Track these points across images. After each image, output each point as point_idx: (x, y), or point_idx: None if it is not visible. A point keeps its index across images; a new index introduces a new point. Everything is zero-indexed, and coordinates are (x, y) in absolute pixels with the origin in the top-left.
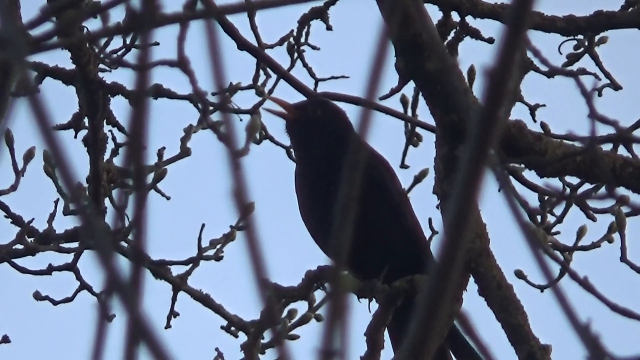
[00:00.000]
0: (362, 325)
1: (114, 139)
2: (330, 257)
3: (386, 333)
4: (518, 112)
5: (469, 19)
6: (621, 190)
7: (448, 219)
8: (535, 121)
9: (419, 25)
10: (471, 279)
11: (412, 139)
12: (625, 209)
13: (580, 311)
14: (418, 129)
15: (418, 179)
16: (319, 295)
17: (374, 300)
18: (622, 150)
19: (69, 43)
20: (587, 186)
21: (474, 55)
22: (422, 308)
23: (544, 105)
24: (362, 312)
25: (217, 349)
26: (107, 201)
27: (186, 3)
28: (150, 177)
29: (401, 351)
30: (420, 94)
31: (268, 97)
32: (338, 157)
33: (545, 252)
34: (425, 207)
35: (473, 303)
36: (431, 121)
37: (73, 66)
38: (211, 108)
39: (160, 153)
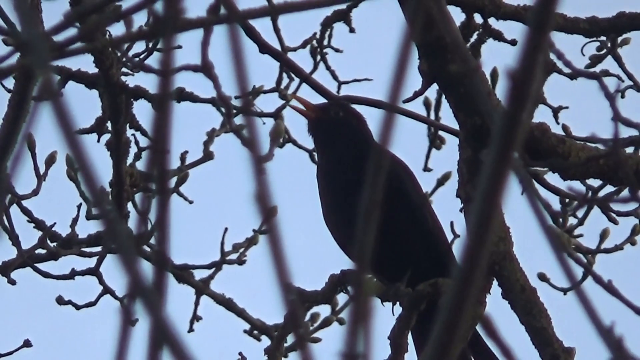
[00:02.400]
0: (386, 328)
1: (136, 142)
2: (353, 261)
3: (410, 337)
4: (541, 115)
5: (491, 21)
6: None
7: (471, 221)
8: (558, 123)
9: (442, 27)
10: (495, 282)
11: (435, 142)
12: None
13: (604, 314)
14: (441, 132)
15: (441, 182)
16: (341, 298)
17: (397, 303)
18: None
19: (93, 48)
20: (609, 189)
21: (497, 58)
22: (445, 311)
23: (567, 108)
24: (385, 315)
25: (240, 353)
26: (129, 205)
27: (210, 7)
28: (172, 181)
29: (425, 354)
30: (444, 96)
31: (292, 96)
32: (359, 160)
33: (569, 256)
34: (448, 210)
35: (497, 306)
36: (454, 124)
37: (96, 70)
38: (234, 111)
39: (182, 157)
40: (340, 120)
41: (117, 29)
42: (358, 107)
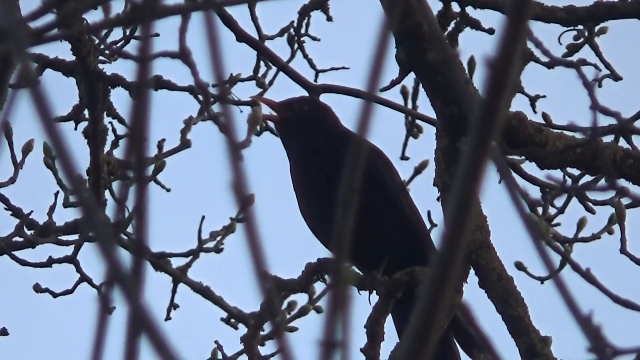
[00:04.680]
0: (362, 317)
1: (114, 130)
2: (331, 250)
3: (387, 325)
4: (518, 103)
5: (469, 10)
6: (621, 182)
7: (449, 210)
8: (535, 112)
9: (419, 15)
10: (472, 271)
11: (413, 131)
12: (625, 201)
13: (581, 302)
14: (418, 121)
15: (418, 170)
16: (318, 287)
17: (374, 292)
18: (622, 142)
19: (70, 35)
20: (587, 178)
21: (474, 46)
22: (423, 299)
23: (544, 97)
24: (362, 304)
25: (216, 342)
26: (107, 193)
27: None
28: (150, 169)
29: (403, 343)
30: (421, 85)
31: (254, 99)
32: (331, 151)
33: (548, 244)
34: (425, 199)
35: (474, 295)
36: (431, 113)
37: (73, 58)
38: (212, 99)
39: (160, 145)
40: (306, 115)
41: (94, 16)
42: (335, 96)
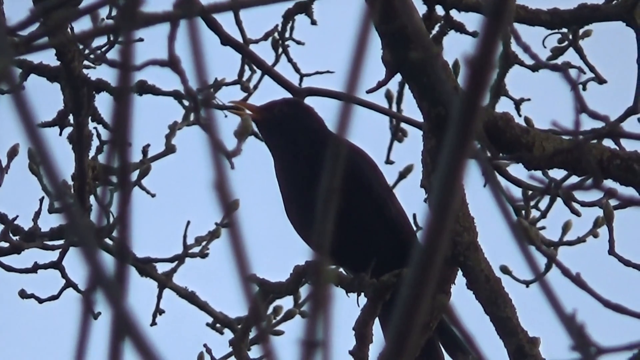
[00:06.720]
0: (351, 319)
1: (99, 136)
2: (313, 250)
3: (375, 327)
4: (503, 107)
5: (453, 13)
6: (609, 183)
7: (431, 207)
8: (520, 115)
9: (404, 17)
10: (459, 273)
11: (397, 135)
12: (613, 202)
13: (569, 304)
14: (403, 125)
15: (403, 174)
16: (304, 290)
17: (362, 294)
18: (608, 142)
19: (58, 43)
20: (573, 179)
21: (459, 49)
22: (404, 297)
23: (529, 100)
24: (350, 306)
25: (205, 345)
26: (92, 198)
27: (176, 2)
28: (134, 174)
29: (386, 342)
30: (407, 87)
31: (235, 104)
32: (314, 152)
33: (537, 249)
34: (412, 202)
35: (461, 296)
36: (416, 116)
37: (58, 63)
38: (201, 105)
39: (144, 150)
40: (286, 116)
41: (81, 23)
42: (320, 99)
